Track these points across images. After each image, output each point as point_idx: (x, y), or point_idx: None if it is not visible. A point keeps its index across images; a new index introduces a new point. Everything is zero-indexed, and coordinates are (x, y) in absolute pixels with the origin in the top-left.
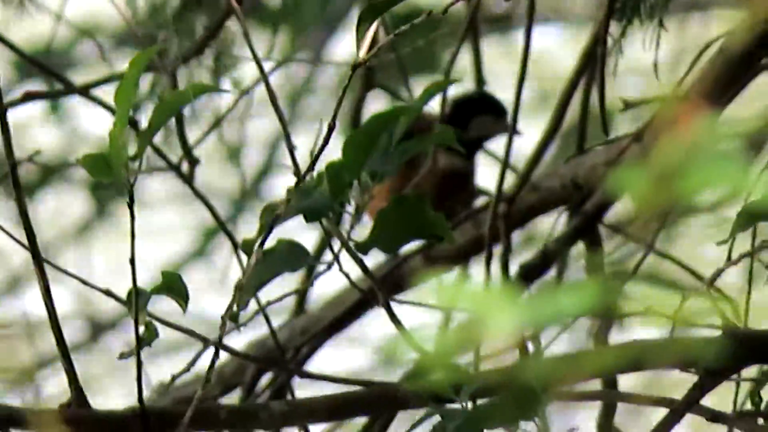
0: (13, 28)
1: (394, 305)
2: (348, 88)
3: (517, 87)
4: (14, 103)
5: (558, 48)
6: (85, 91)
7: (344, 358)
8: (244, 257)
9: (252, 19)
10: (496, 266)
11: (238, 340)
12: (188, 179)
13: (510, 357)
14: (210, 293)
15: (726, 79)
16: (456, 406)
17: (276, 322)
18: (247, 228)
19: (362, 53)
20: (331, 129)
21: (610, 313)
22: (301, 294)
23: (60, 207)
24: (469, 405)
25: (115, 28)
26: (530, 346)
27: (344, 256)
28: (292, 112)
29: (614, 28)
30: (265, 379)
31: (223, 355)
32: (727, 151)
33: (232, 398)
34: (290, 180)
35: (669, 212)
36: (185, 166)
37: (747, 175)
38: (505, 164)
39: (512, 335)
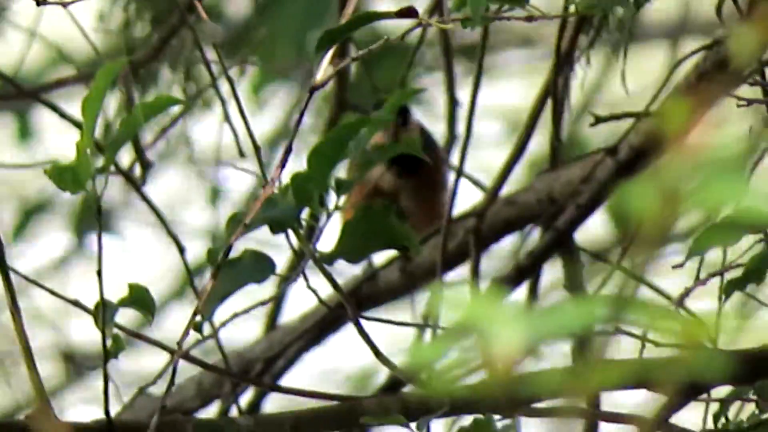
0: None
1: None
2: (320, 111)
3: (467, 118)
4: None
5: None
6: (35, 95)
7: (320, 378)
8: None
9: (227, 49)
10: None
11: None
12: (138, 183)
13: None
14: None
15: (705, 94)
16: None
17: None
18: None
19: (319, 77)
20: (288, 151)
21: (590, 332)
22: (273, 306)
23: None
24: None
25: (88, 49)
26: (523, 361)
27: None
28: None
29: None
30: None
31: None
32: (728, 168)
33: (211, 411)
34: None
35: (665, 233)
36: (138, 170)
37: (747, 191)
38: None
39: (514, 349)
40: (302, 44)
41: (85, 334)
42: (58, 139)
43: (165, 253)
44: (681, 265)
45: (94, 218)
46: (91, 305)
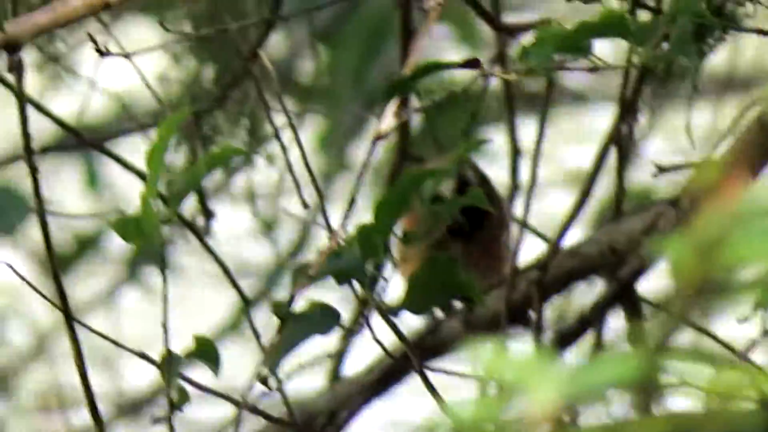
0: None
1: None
2: (384, 161)
3: (531, 169)
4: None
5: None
6: (98, 145)
7: (383, 429)
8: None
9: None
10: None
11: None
12: (200, 233)
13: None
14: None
15: (764, 146)
16: None
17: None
18: None
19: (384, 127)
20: (352, 202)
21: (651, 385)
22: (336, 358)
23: (93, 280)
24: None
25: (151, 99)
26: (568, 418)
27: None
28: (329, 188)
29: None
30: None
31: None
32: None
33: None
34: None
35: (709, 285)
36: (201, 220)
37: None
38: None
39: (553, 406)
40: (361, 81)
41: (139, 374)
42: (124, 184)
43: (219, 291)
44: (746, 319)
45: (148, 255)
46: (145, 346)
